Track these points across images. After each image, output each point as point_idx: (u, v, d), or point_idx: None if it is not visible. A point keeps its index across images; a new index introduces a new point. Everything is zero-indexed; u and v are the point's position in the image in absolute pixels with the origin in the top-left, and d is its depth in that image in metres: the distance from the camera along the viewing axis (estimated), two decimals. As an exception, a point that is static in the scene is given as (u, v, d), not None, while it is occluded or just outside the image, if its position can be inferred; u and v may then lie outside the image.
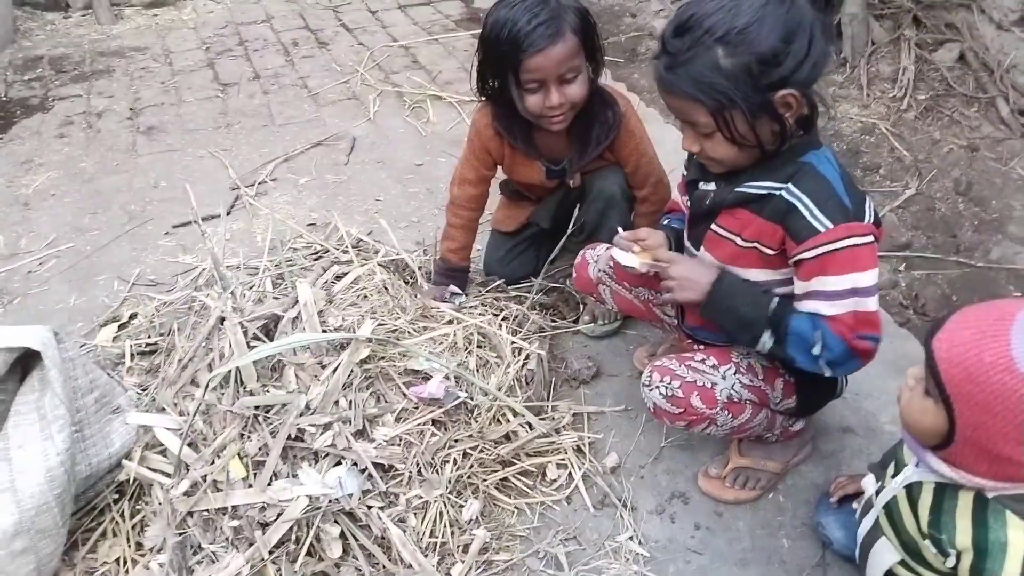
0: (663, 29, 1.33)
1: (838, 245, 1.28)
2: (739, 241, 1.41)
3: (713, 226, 1.46)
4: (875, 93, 3.25)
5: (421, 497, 1.56)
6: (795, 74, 1.24)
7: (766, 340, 1.38)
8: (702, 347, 1.60)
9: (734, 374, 1.48)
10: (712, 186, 1.45)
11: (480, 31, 1.79)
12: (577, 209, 2.01)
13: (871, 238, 1.30)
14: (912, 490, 1.17)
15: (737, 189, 1.39)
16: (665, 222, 1.70)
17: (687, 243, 1.57)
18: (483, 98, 1.93)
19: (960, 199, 2.66)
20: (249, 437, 1.58)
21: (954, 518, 1.08)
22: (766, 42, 1.22)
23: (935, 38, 3.32)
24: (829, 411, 1.76)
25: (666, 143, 2.69)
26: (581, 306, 2.17)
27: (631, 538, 1.59)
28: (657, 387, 1.47)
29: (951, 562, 1.09)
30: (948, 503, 1.10)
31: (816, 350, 1.32)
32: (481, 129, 1.98)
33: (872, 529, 1.29)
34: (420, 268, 2.19)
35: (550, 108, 1.74)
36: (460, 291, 2.10)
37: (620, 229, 1.59)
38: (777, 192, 1.34)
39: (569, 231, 1.99)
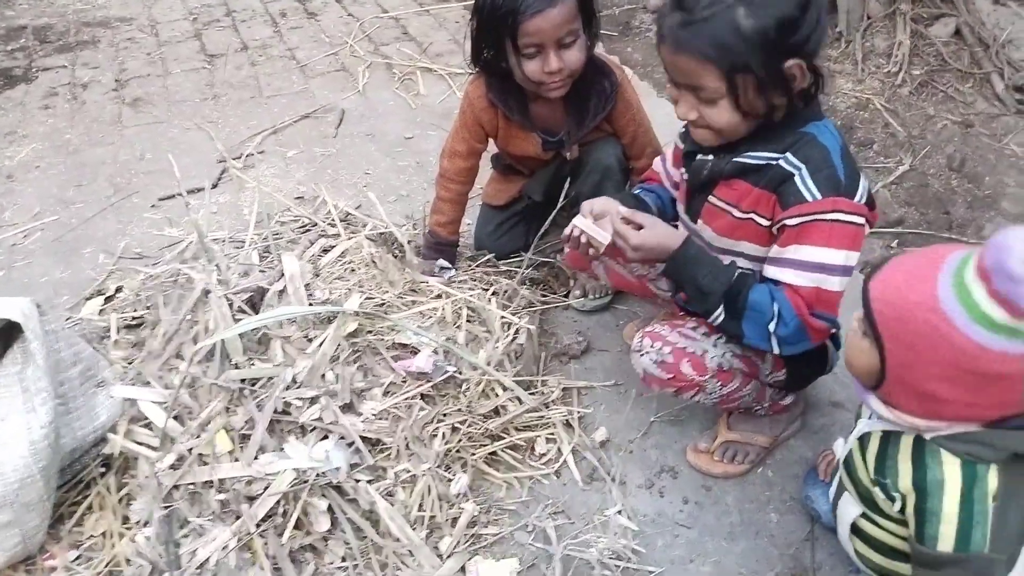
0: None
1: (821, 217, 1.27)
2: (736, 212, 1.39)
3: (711, 197, 1.44)
4: (870, 68, 3.23)
5: (409, 471, 1.56)
6: (807, 44, 1.22)
7: (718, 315, 1.37)
8: (697, 317, 1.58)
9: (725, 343, 1.47)
10: (710, 156, 1.43)
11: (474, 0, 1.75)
12: (569, 182, 1.99)
13: (858, 218, 1.28)
14: (863, 440, 1.20)
15: (735, 159, 1.36)
16: (636, 191, 1.68)
17: (684, 216, 1.55)
18: (477, 69, 1.90)
19: (953, 175, 2.65)
20: (235, 411, 1.57)
21: (896, 462, 1.11)
22: (787, 6, 1.19)
23: (931, 12, 3.30)
24: (819, 386, 1.76)
25: (658, 116, 2.65)
26: (572, 280, 2.16)
27: (620, 512, 1.58)
28: (648, 352, 1.46)
29: (898, 505, 1.12)
30: (891, 449, 1.13)
31: (772, 326, 1.31)
32: (474, 101, 1.95)
33: (839, 486, 1.31)
34: (409, 242, 2.17)
35: (549, 74, 1.71)
36: (449, 265, 2.08)
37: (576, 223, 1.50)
38: (775, 161, 1.32)
39: (560, 204, 1.97)
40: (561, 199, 1.96)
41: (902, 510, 1.12)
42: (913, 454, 1.09)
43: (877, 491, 1.16)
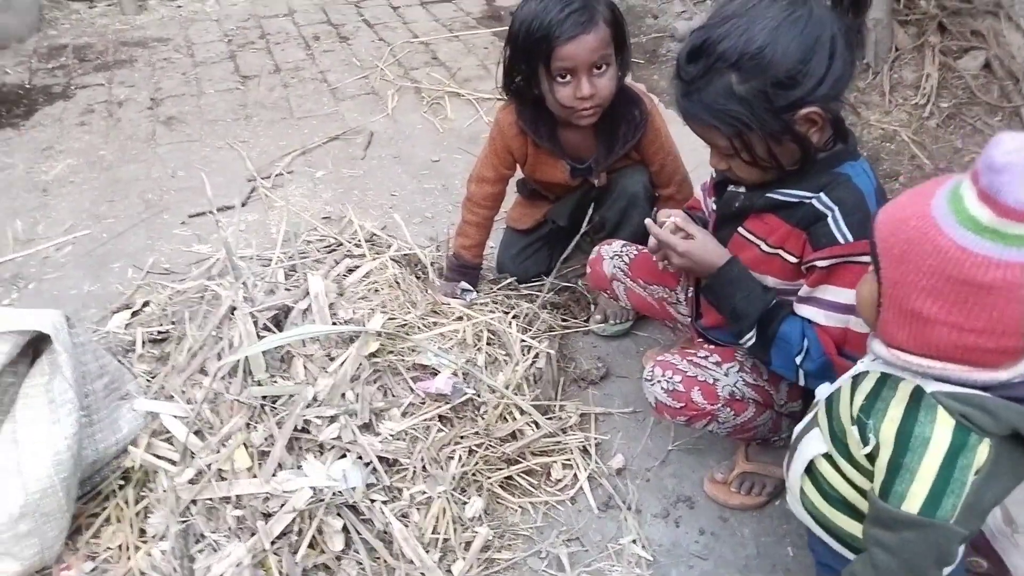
0: (678, 53, 1.31)
1: (852, 259, 1.26)
2: (764, 247, 1.39)
3: (740, 229, 1.43)
4: (897, 100, 3.21)
5: (425, 493, 1.56)
6: (815, 92, 1.20)
7: (749, 338, 1.37)
8: (709, 346, 1.58)
9: (737, 372, 1.47)
10: (742, 188, 1.43)
11: (508, 27, 1.78)
12: (593, 208, 2.00)
13: None
14: (857, 379, 1.13)
15: (768, 194, 1.36)
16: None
17: None
18: (508, 96, 1.92)
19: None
20: (255, 427, 1.58)
21: (888, 405, 1.04)
22: (781, 65, 1.19)
23: (960, 45, 3.28)
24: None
25: (684, 146, 2.67)
26: (592, 306, 2.16)
27: (635, 541, 1.57)
28: (659, 382, 1.46)
29: (867, 449, 1.06)
30: (887, 391, 1.06)
31: (799, 359, 1.31)
32: (504, 128, 1.97)
33: (808, 423, 1.24)
34: (432, 264, 2.19)
35: (581, 99, 1.73)
36: (471, 288, 2.09)
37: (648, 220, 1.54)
38: (808, 200, 1.31)
39: (583, 230, 1.98)
40: (585, 224, 1.97)
41: (870, 456, 1.06)
42: (909, 404, 1.01)
43: (854, 430, 1.09)
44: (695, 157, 2.72)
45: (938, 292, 0.94)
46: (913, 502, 0.98)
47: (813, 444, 1.19)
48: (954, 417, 0.97)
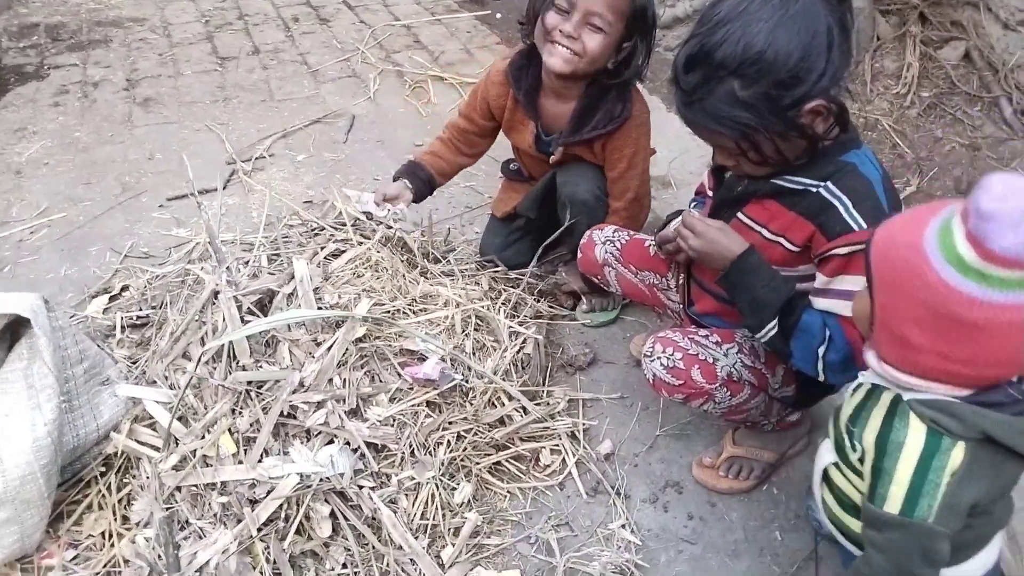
0: (675, 60, 1.28)
1: None
2: (765, 233, 1.38)
3: (740, 214, 1.43)
4: (878, 89, 3.23)
5: (413, 478, 1.55)
6: (818, 85, 1.19)
7: (770, 328, 1.35)
8: (704, 328, 1.58)
9: (736, 352, 1.47)
10: None
11: None
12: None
13: None
14: (856, 391, 1.19)
15: (773, 180, 1.35)
16: (692, 201, 1.68)
17: None
18: (523, 26, 1.89)
19: (960, 198, 2.65)
20: (240, 413, 1.56)
21: (870, 414, 1.11)
22: (783, 65, 1.17)
23: (941, 35, 3.30)
24: (826, 405, 1.74)
25: (669, 132, 2.68)
26: (574, 299, 2.15)
27: (623, 526, 1.58)
28: (659, 358, 1.45)
29: (857, 454, 1.13)
30: (872, 401, 1.12)
31: (821, 350, 1.30)
32: (492, 74, 1.98)
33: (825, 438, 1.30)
34: (418, 248, 2.16)
35: (561, 32, 1.71)
36: (402, 209, 2.02)
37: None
38: (814, 189, 1.30)
39: (564, 226, 1.97)
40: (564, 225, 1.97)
41: (861, 460, 1.12)
42: (887, 412, 1.08)
43: (846, 438, 1.16)
44: (679, 144, 2.73)
45: (925, 323, 0.97)
46: (893, 503, 1.04)
47: (826, 455, 1.24)
48: (925, 422, 1.03)
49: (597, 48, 1.73)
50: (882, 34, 3.38)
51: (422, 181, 2.07)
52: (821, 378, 1.34)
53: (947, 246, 0.92)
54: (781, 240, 1.36)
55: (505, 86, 1.94)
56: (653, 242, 1.64)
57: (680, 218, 1.46)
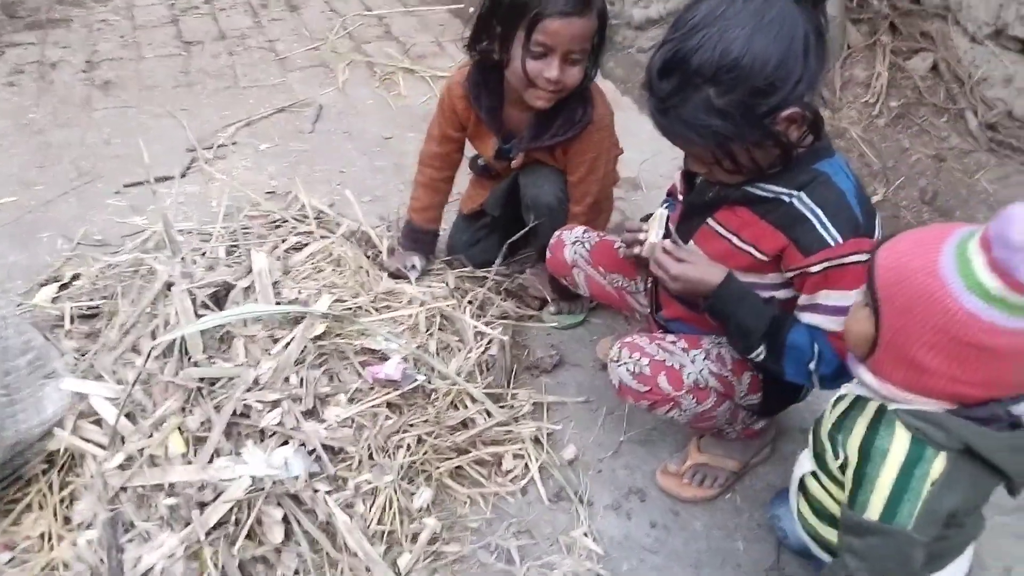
0: (648, 65, 1.25)
1: (845, 260, 1.24)
2: (735, 240, 1.36)
3: (710, 220, 1.40)
4: (848, 98, 3.25)
5: (371, 483, 1.50)
6: (794, 92, 1.17)
7: (759, 352, 1.34)
8: (672, 333, 1.55)
9: (703, 359, 1.45)
10: None
11: None
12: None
13: None
14: (839, 400, 1.22)
15: (745, 188, 1.33)
16: (663, 203, 1.65)
17: (674, 235, 1.50)
18: (470, 52, 1.82)
19: (925, 208, 2.67)
20: (191, 411, 1.50)
21: (855, 422, 1.13)
22: (759, 73, 1.14)
23: (910, 46, 3.33)
24: (791, 413, 1.73)
25: (641, 133, 2.64)
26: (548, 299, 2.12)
27: (585, 534, 1.55)
28: (626, 363, 1.43)
29: (838, 462, 1.15)
30: (856, 410, 1.15)
31: (812, 365, 1.30)
32: (452, 87, 1.91)
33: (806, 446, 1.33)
34: (384, 243, 2.12)
35: (546, 80, 1.67)
36: (418, 265, 2.03)
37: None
38: (787, 200, 1.28)
39: (529, 226, 1.94)
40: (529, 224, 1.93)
41: (842, 468, 1.15)
42: (872, 420, 1.11)
43: (829, 446, 1.18)
44: (651, 146, 2.72)
45: (940, 348, 0.99)
46: (874, 510, 1.06)
47: (805, 464, 1.27)
48: (910, 431, 1.05)
49: (576, 78, 1.70)
50: (852, 43, 3.40)
51: (428, 245, 2.13)
52: (816, 387, 1.37)
53: (967, 274, 0.95)
54: (751, 249, 1.34)
55: (466, 99, 1.89)
56: (620, 244, 1.61)
57: (649, 229, 1.43)
